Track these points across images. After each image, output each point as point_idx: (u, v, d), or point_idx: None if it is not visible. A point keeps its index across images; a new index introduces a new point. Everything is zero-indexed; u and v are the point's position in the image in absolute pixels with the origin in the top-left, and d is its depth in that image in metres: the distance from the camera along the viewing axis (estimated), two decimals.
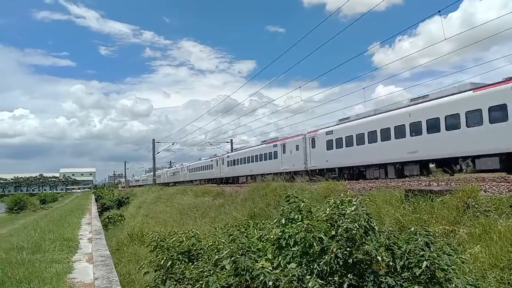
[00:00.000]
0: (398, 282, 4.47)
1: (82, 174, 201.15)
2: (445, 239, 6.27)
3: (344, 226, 4.73)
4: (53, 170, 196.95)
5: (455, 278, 4.23)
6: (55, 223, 17.71)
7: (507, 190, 9.51)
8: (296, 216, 5.61)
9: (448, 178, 14.65)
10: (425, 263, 4.16)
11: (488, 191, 9.59)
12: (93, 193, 78.22)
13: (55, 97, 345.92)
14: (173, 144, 73.13)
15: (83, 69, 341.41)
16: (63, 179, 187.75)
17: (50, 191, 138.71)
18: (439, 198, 8.43)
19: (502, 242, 6.33)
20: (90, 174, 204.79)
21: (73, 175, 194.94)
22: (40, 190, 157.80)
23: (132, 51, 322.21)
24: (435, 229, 7.03)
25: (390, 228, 5.56)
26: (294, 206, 5.77)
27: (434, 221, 7.75)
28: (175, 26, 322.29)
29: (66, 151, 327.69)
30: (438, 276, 4.21)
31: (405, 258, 4.53)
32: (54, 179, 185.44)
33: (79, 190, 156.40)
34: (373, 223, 4.92)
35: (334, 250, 4.70)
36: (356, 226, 4.73)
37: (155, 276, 7.46)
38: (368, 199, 6.02)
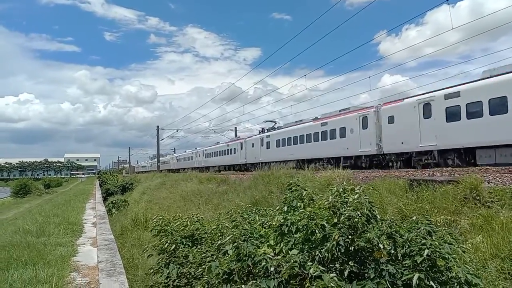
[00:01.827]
0: (399, 270, 4.50)
1: (86, 160, 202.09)
2: (446, 228, 6.30)
3: (347, 214, 4.75)
4: (57, 155, 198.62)
5: (455, 266, 4.26)
6: (59, 208, 17.88)
7: (510, 182, 9.49)
8: (299, 204, 5.65)
9: (451, 168, 14.78)
10: (426, 251, 4.18)
11: (491, 182, 9.58)
12: (97, 178, 78.71)
13: (59, 83, 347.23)
14: (177, 131, 73.27)
15: (88, 54, 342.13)
16: (68, 164, 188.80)
17: (54, 176, 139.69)
18: (442, 188, 8.44)
19: (504, 232, 6.35)
20: (95, 160, 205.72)
21: (77, 160, 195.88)
22: (44, 174, 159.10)
23: (137, 37, 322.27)
24: (437, 219, 7.05)
25: (392, 217, 5.58)
26: (296, 194, 5.80)
27: (436, 211, 7.77)
28: (181, 12, 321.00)
29: (71, 136, 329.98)
30: (439, 264, 4.23)
31: (407, 246, 4.55)
32: (59, 164, 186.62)
33: (83, 176, 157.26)
34: (375, 211, 4.94)
35: (336, 237, 4.73)
36: (358, 214, 4.76)
37: (158, 259, 7.56)
38: (371, 188, 6.03)
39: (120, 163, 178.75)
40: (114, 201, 31.65)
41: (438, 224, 6.68)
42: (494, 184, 9.29)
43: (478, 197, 7.67)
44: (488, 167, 14.32)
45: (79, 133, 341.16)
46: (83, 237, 9.86)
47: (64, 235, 9.91)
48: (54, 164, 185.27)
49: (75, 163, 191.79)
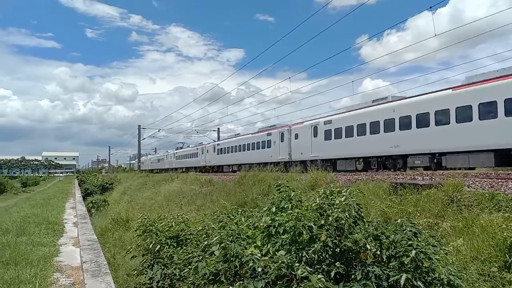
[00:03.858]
0: (385, 272, 4.58)
1: (65, 158, 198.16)
2: (429, 231, 6.44)
3: (335, 216, 4.81)
4: (35, 153, 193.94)
5: (440, 267, 4.36)
6: (39, 207, 17.52)
7: (489, 186, 9.76)
8: (286, 205, 5.69)
9: (431, 173, 15.14)
10: (413, 251, 4.27)
11: (471, 187, 9.82)
12: (76, 177, 77.39)
13: (38, 79, 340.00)
14: (159, 130, 72.80)
15: (68, 51, 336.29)
16: (46, 163, 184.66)
17: (32, 175, 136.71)
18: (424, 192, 8.62)
19: (484, 235, 6.52)
20: (73, 159, 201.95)
21: (55, 158, 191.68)
22: (21, 173, 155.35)
23: (119, 35, 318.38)
24: (419, 222, 7.19)
25: (379, 219, 5.68)
26: (284, 195, 5.84)
27: (418, 214, 7.93)
28: (164, 10, 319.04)
29: (49, 134, 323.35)
30: (425, 265, 4.33)
31: (393, 247, 4.64)
32: (36, 163, 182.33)
33: (61, 174, 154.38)
34: (362, 213, 5.03)
35: (323, 238, 4.79)
36: (346, 216, 4.83)
37: (142, 260, 7.50)
38: (357, 191, 6.11)
39: (100, 162, 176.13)
40: (93, 201, 31.20)
41: (421, 226, 6.81)
42: (474, 188, 9.53)
43: (461, 200, 7.86)
44: (459, 171, 15.23)
45: (58, 131, 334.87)
46: (65, 237, 9.69)
47: (45, 234, 9.72)
48: (32, 162, 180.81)
49: (53, 162, 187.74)
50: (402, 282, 4.10)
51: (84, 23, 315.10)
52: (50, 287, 5.48)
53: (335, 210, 4.90)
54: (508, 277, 5.62)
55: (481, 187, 9.81)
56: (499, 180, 10.76)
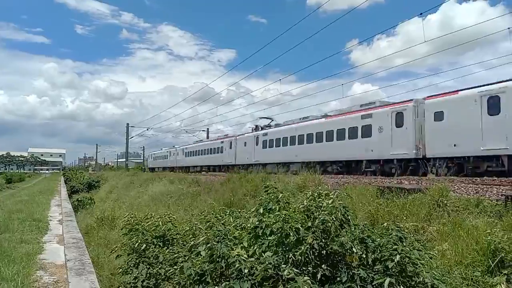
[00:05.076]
0: (370, 275, 4.60)
1: (51, 155, 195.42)
2: (415, 235, 6.50)
3: (321, 218, 4.82)
4: (21, 149, 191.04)
5: (424, 272, 4.40)
6: (23, 203, 17.27)
7: (474, 192, 9.89)
8: (274, 206, 5.69)
9: (417, 177, 15.33)
10: (398, 256, 4.31)
11: (456, 192, 9.94)
12: (62, 175, 76.51)
13: (26, 74, 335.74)
14: (147, 129, 72.32)
15: (57, 47, 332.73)
16: (31, 159, 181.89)
17: (17, 171, 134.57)
18: (411, 196, 8.70)
19: (469, 239, 6.59)
20: (60, 156, 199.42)
21: (42, 155, 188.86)
22: (6, 169, 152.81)
23: (109, 32, 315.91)
24: (406, 225, 7.25)
25: (365, 222, 5.71)
26: (272, 197, 5.84)
27: (405, 217, 7.99)
28: (155, 9, 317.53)
29: (36, 130, 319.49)
30: (409, 269, 4.37)
31: (378, 251, 4.67)
32: (22, 159, 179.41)
33: (47, 171, 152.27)
34: (349, 216, 5.05)
35: (310, 241, 4.80)
36: (332, 219, 4.84)
37: (128, 259, 7.43)
38: (345, 193, 6.13)
39: (87, 160, 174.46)
40: (79, 199, 30.80)
41: (407, 230, 6.86)
42: (459, 193, 9.65)
43: (447, 205, 7.94)
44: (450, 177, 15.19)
45: (45, 127, 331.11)
46: (49, 235, 9.56)
47: (29, 232, 9.59)
48: (17, 159, 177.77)
49: (39, 158, 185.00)
50: (386, 286, 4.13)
51: (74, 19, 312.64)
52: (33, 285, 5.41)
53: (322, 213, 4.92)
54: (490, 281, 5.69)
55: (466, 192, 9.94)
56: (484, 186, 10.91)
